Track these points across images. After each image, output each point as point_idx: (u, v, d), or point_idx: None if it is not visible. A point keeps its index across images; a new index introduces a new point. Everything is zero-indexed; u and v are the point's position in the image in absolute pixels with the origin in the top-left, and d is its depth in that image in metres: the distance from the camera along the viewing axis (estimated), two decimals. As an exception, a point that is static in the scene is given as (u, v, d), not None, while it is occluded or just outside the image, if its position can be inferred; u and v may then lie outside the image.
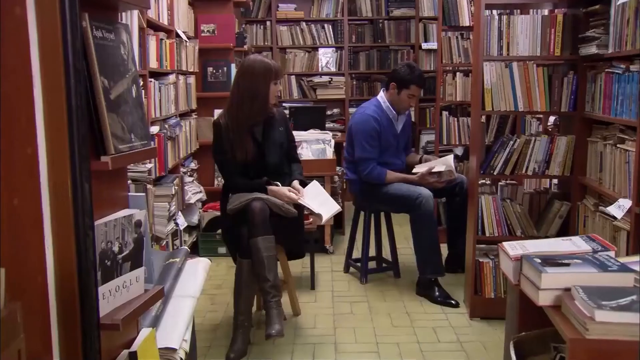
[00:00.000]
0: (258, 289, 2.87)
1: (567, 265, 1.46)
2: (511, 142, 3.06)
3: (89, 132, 1.32)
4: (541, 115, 3.80)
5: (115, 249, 1.45)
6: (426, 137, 5.95)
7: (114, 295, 1.46)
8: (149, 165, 2.98)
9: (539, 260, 1.47)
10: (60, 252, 1.28)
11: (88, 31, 1.31)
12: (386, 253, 4.06)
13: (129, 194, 1.63)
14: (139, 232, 1.55)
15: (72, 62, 1.23)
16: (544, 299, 1.42)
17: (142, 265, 1.58)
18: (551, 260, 1.47)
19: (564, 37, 2.93)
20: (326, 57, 6.22)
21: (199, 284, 2.24)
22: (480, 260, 3.18)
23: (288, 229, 2.96)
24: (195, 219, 4.30)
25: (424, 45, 6.00)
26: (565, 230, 3.09)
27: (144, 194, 1.61)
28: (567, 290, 1.40)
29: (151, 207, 3.17)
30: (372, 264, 3.99)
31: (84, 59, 1.29)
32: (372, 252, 3.97)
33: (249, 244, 2.74)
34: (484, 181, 3.34)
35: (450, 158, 3.67)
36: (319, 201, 3.08)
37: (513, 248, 1.61)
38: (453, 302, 3.38)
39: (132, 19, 2.81)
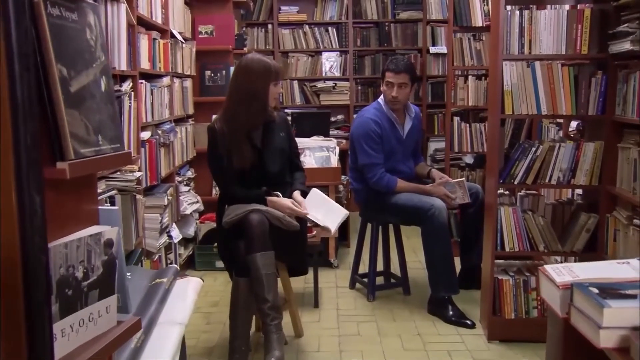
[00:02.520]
0: (256, 310, 2.61)
1: (634, 297, 1.20)
2: (533, 149, 2.80)
3: (43, 132, 1.07)
4: (561, 120, 3.54)
5: (79, 274, 1.20)
6: (434, 145, 5.70)
7: (77, 331, 1.20)
8: (137, 174, 2.73)
9: (596, 291, 1.21)
10: (2, 280, 1.02)
11: (41, 7, 1.06)
12: (395, 268, 3.79)
13: (100, 207, 1.37)
14: (109, 254, 1.30)
15: (17, 45, 0.97)
16: (606, 340, 1.15)
17: (114, 293, 1.32)
18: (611, 290, 1.21)
19: (591, 34, 2.68)
20: (330, 62, 5.98)
21: (187, 308, 1.98)
22: (499, 277, 2.91)
23: (289, 244, 2.70)
24: (191, 231, 4.04)
25: (432, 49, 5.75)
26: (593, 245, 2.83)
27: (116, 207, 1.37)
28: (637, 329, 1.14)
29: (141, 219, 2.92)
30: (379, 280, 3.73)
31: (35, 41, 1.04)
32: (379, 266, 3.71)
33: (246, 261, 2.48)
34: (501, 191, 3.08)
35: (463, 180, 3.43)
36: (323, 211, 2.83)
37: (559, 273, 1.34)
38: (469, 322, 3.11)
39: (119, 13, 2.58)
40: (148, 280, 2.07)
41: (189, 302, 2.02)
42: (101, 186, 2.44)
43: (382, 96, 3.48)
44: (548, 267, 1.37)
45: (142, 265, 2.94)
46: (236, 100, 2.71)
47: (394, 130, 3.43)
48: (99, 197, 2.34)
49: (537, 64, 2.74)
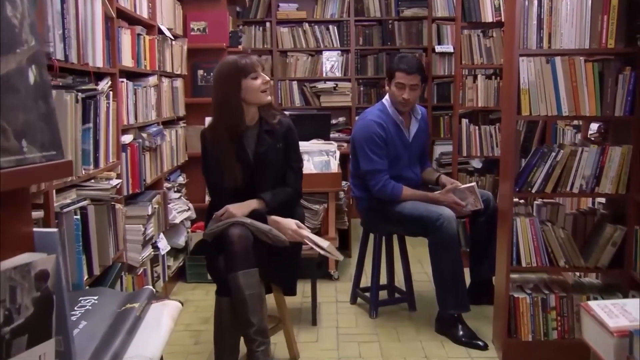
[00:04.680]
0: (242, 335, 2.34)
1: None
2: (553, 154, 2.53)
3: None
4: (579, 122, 3.27)
5: (-1, 318, 0.94)
6: (440, 148, 5.43)
7: (-4, 390, 0.94)
8: (114, 181, 2.47)
9: (669, 344, 0.94)
10: None
11: None
12: (399, 281, 3.53)
13: (36, 230, 1.11)
14: (43, 289, 1.04)
15: None
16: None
17: (50, 337, 1.06)
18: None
19: (618, 26, 2.41)
20: (331, 61, 5.71)
21: (161, 340, 1.70)
22: (515, 295, 2.64)
23: (277, 261, 2.44)
24: (181, 241, 3.78)
25: (438, 48, 5.49)
26: (619, 259, 2.55)
27: (56, 230, 1.09)
28: None
29: (121, 231, 2.66)
30: (382, 294, 3.46)
31: None
32: (382, 279, 3.44)
33: (227, 280, 2.22)
34: (516, 200, 2.80)
35: (474, 185, 3.17)
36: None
37: (610, 314, 1.06)
38: (480, 343, 2.84)
39: (93, 2, 2.33)
40: (117, 305, 1.81)
41: (163, 332, 1.75)
42: (71, 196, 2.19)
43: (386, 97, 3.21)
44: (594, 305, 1.10)
45: (122, 282, 2.68)
46: (216, 110, 2.51)
47: (400, 133, 3.17)
48: (68, 208, 2.10)
49: (558, 59, 2.47)
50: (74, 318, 1.70)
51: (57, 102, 2.01)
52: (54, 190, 2.02)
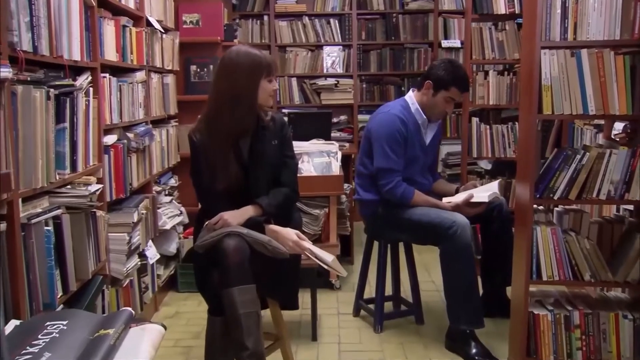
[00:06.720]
0: (235, 358, 2.10)
1: None
2: (578, 157, 2.30)
3: None
4: (601, 121, 3.03)
5: None
6: (447, 148, 5.18)
7: None
8: (94, 187, 2.23)
9: None
10: None
11: None
12: (405, 291, 3.29)
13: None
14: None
15: None
16: None
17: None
18: None
19: (653, 15, 2.17)
20: (332, 57, 5.47)
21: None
22: (535, 312, 2.41)
23: (277, 275, 2.21)
24: (172, 248, 3.55)
25: (444, 43, 5.25)
26: (651, 274, 2.32)
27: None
28: None
29: (103, 240, 2.43)
30: (388, 305, 3.22)
31: None
32: (388, 290, 3.20)
33: (221, 296, 1.99)
34: (535, 206, 2.57)
35: (495, 184, 2.94)
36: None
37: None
38: (496, 363, 2.62)
39: (69, -11, 2.09)
40: (89, 331, 1.57)
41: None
42: (42, 204, 1.96)
43: (410, 95, 2.99)
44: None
45: (103, 297, 2.45)
46: (219, 104, 2.25)
47: (419, 135, 2.96)
48: (37, 219, 1.87)
49: (584, 52, 2.24)
50: (36, 349, 1.48)
51: (24, 98, 1.80)
52: (20, 199, 1.79)
